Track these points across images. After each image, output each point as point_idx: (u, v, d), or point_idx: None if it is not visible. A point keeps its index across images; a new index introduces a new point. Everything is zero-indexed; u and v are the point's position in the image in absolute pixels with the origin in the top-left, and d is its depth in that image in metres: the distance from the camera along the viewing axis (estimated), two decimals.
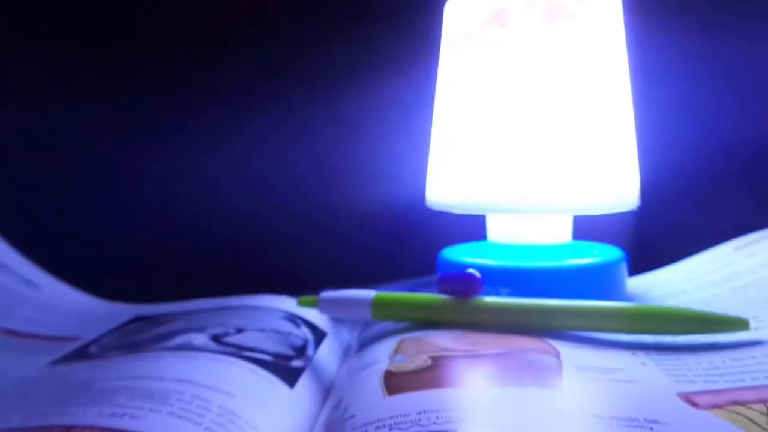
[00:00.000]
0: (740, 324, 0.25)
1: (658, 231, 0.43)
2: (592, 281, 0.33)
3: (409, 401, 0.20)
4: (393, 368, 0.23)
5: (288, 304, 0.35)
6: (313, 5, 0.47)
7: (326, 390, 0.26)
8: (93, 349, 0.29)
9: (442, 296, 0.29)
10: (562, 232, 0.35)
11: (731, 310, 0.30)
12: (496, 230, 0.36)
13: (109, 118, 0.48)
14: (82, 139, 0.48)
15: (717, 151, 0.44)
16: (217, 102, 0.48)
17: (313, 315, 0.34)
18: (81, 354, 0.29)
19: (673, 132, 0.44)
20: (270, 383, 0.24)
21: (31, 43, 0.47)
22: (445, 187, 0.35)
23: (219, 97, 0.48)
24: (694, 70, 0.44)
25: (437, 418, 0.18)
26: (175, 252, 0.47)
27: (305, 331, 0.32)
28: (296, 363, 0.27)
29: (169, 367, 0.24)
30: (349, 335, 0.35)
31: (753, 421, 0.18)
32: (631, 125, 0.34)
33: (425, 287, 0.32)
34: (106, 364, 0.26)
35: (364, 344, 0.29)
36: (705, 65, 0.44)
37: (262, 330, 0.30)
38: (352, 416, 0.20)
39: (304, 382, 0.26)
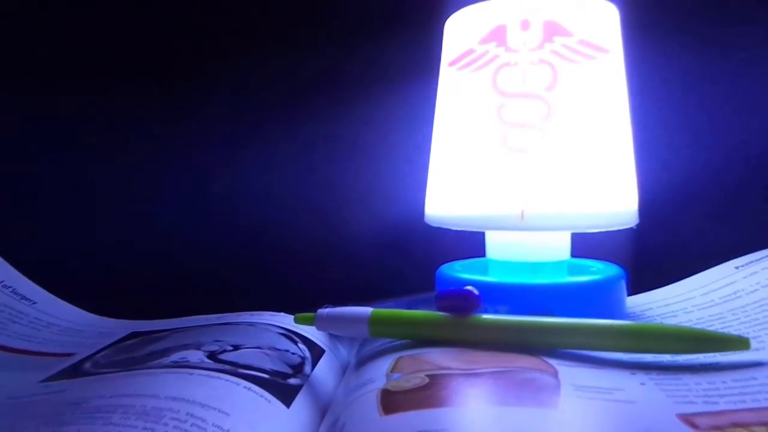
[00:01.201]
0: (741, 343, 0.25)
1: (658, 249, 0.43)
2: (590, 299, 0.33)
3: (406, 421, 0.20)
4: (390, 387, 0.23)
5: (286, 320, 0.35)
6: (313, 23, 0.47)
7: (323, 408, 0.26)
8: (88, 365, 0.29)
9: (440, 313, 0.29)
10: (560, 250, 0.35)
11: (732, 330, 0.30)
12: (495, 247, 0.36)
13: (106, 138, 0.48)
14: (79, 156, 0.48)
15: (717, 170, 0.44)
16: (219, 120, 0.48)
17: (311, 331, 0.34)
18: (75, 371, 0.28)
19: (673, 151, 0.44)
20: (266, 401, 0.24)
21: (41, 67, 0.48)
22: (444, 203, 0.35)
23: (221, 115, 0.48)
24: (693, 89, 0.44)
25: None
26: (173, 268, 0.47)
27: (303, 348, 0.32)
28: (293, 381, 0.27)
29: (164, 385, 0.24)
30: (347, 352, 0.35)
31: None
32: (630, 143, 0.34)
33: (423, 304, 0.31)
34: (100, 382, 0.26)
35: (361, 362, 0.29)
36: (703, 84, 0.44)
37: (258, 347, 0.30)
38: None
39: (300, 400, 0.25)
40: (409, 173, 0.45)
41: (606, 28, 0.33)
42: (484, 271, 0.37)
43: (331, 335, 0.35)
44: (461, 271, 0.36)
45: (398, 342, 0.29)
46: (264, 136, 0.48)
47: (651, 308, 0.36)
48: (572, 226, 0.33)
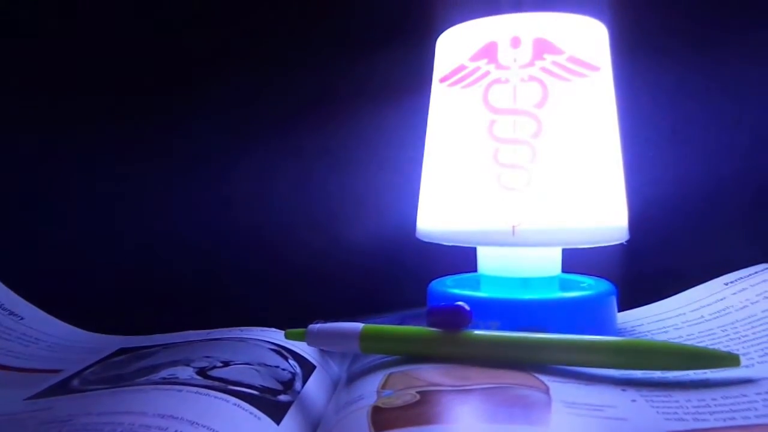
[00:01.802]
0: (731, 360, 0.25)
1: (649, 265, 0.43)
2: (581, 314, 0.33)
3: None
4: (381, 404, 0.23)
5: (276, 336, 0.35)
6: (305, 37, 0.48)
7: (313, 426, 0.26)
8: (75, 382, 0.29)
9: (431, 329, 0.29)
10: (551, 265, 0.35)
11: (721, 347, 0.30)
12: (486, 262, 0.36)
13: (98, 151, 0.48)
14: (69, 171, 0.48)
15: (705, 186, 0.44)
16: (208, 133, 0.48)
17: (302, 347, 0.33)
18: (63, 388, 0.28)
19: (662, 167, 0.45)
20: (255, 419, 0.24)
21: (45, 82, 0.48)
22: (436, 218, 0.35)
23: (216, 129, 0.48)
24: (680, 106, 0.45)
25: None
26: (162, 283, 0.47)
27: (293, 364, 0.31)
28: (283, 397, 0.27)
29: (153, 402, 0.24)
30: (338, 367, 0.34)
31: None
32: (619, 159, 0.35)
33: (415, 319, 0.31)
34: (87, 399, 0.25)
35: (352, 378, 0.29)
36: (691, 101, 0.44)
37: (249, 363, 0.30)
38: None
39: (290, 417, 0.25)
40: (401, 188, 0.45)
41: (595, 46, 0.33)
42: (476, 286, 0.37)
43: (322, 351, 0.34)
44: (452, 286, 0.36)
45: (389, 358, 0.29)
46: (257, 150, 0.48)
47: (641, 324, 0.37)
48: (563, 242, 0.33)
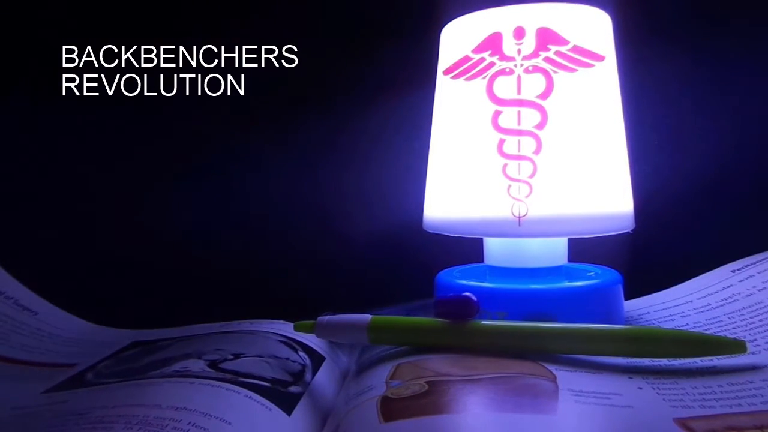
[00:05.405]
0: (738, 347, 0.25)
1: (655, 254, 0.43)
2: (588, 303, 0.33)
3: (406, 428, 0.20)
4: (390, 394, 0.23)
5: (285, 328, 0.35)
6: (311, 31, 0.48)
7: (324, 416, 0.26)
8: (90, 376, 0.29)
9: (439, 320, 0.29)
10: (557, 255, 0.35)
11: (728, 334, 0.30)
12: (493, 253, 0.36)
13: (105, 147, 0.48)
14: (79, 164, 0.48)
15: (711, 174, 0.44)
16: (217, 127, 0.48)
17: (311, 339, 0.34)
18: (78, 381, 0.28)
19: (668, 156, 0.44)
20: (267, 410, 0.24)
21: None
22: (442, 210, 0.35)
23: (220, 122, 0.48)
24: (686, 96, 0.44)
25: None
26: (173, 277, 0.47)
27: (303, 356, 0.32)
28: (294, 389, 0.27)
29: (166, 395, 0.24)
30: (347, 359, 0.35)
31: None
32: (624, 149, 0.35)
33: (422, 310, 0.32)
34: (102, 392, 0.26)
35: (361, 369, 0.29)
36: (696, 90, 0.44)
37: (259, 355, 0.30)
38: None
39: (301, 408, 0.26)
40: (407, 180, 0.45)
41: (599, 36, 0.33)
42: (483, 276, 0.37)
43: (331, 342, 0.35)
44: (460, 277, 0.36)
45: (398, 349, 0.30)
46: (262, 143, 0.48)
47: (648, 312, 0.37)
48: (569, 232, 0.33)
